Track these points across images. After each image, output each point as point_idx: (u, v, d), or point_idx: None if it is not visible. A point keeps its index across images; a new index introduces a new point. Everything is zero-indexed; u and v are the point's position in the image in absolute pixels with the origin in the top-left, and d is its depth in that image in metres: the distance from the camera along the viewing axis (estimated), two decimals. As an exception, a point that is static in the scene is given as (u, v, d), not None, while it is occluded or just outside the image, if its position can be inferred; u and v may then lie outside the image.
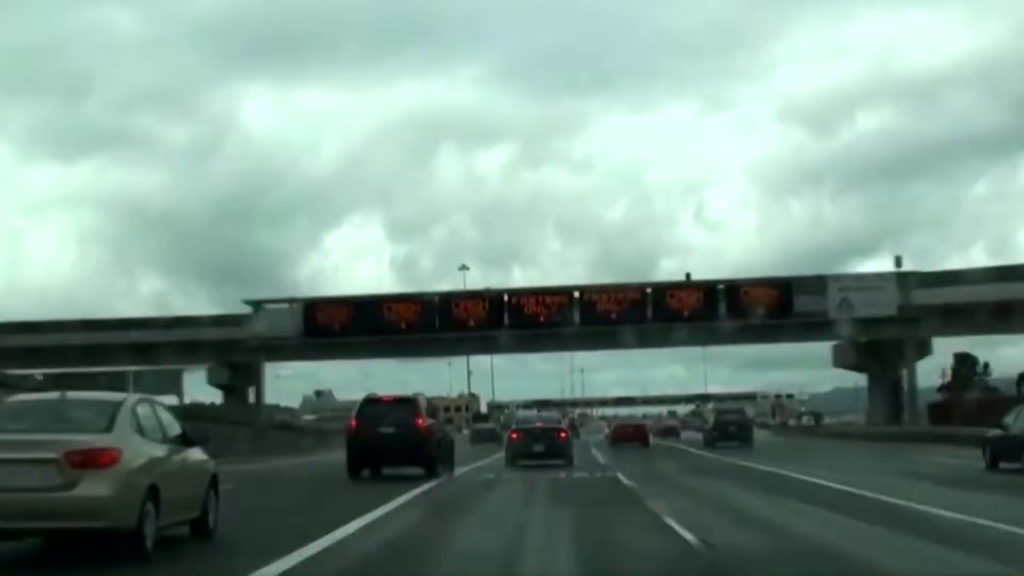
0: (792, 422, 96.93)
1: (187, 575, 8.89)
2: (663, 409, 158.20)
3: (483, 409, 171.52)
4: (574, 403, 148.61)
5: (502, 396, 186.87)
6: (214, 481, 10.84)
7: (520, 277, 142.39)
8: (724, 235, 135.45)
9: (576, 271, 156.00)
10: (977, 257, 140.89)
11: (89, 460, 8.42)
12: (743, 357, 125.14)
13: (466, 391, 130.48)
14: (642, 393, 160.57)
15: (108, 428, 8.91)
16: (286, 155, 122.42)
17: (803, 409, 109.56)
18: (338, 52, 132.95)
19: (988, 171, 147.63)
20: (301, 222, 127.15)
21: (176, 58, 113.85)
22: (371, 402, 21.95)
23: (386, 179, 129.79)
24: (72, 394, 10.02)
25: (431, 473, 20.46)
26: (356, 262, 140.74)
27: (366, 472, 20.96)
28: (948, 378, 74.87)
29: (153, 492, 8.95)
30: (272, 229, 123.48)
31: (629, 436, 44.11)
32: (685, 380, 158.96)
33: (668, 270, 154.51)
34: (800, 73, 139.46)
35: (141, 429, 9.36)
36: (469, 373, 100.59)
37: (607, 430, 67.52)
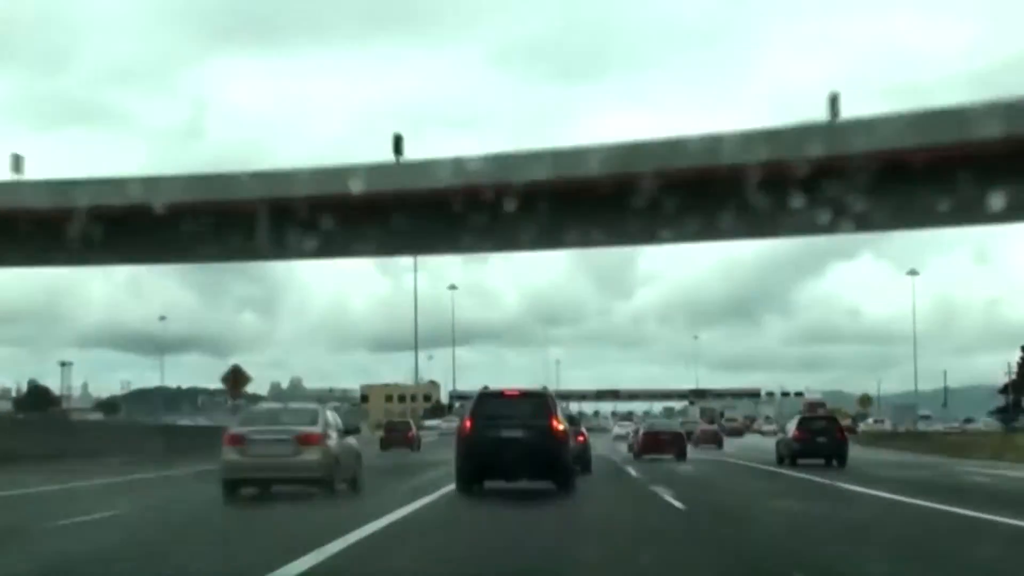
0: (862, 426, 79.56)
1: (352, 505, 15.36)
2: (650, 405, 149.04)
3: (443, 399, 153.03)
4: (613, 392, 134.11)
5: (467, 388, 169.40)
6: (359, 457, 18.89)
7: (496, 270, 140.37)
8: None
9: (555, 265, 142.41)
10: (958, 264, 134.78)
11: (308, 439, 16.40)
12: (720, 357, 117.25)
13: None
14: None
15: (314, 422, 16.97)
16: (264, 138, 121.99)
17: (857, 412, 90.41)
18: (324, 35, 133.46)
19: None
20: None
21: (155, 35, 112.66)
22: (489, 397, 18.31)
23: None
24: (291, 404, 24.78)
25: (564, 488, 17.14)
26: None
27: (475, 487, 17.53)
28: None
29: (336, 460, 16.96)
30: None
31: (663, 447, 35.73)
32: (664, 378, 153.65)
33: (645, 269, 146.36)
34: (794, 66, 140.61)
35: (328, 424, 17.23)
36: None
37: (620, 432, 59.97)
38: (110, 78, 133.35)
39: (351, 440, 18.78)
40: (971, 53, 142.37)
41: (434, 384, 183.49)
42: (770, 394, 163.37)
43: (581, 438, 23.42)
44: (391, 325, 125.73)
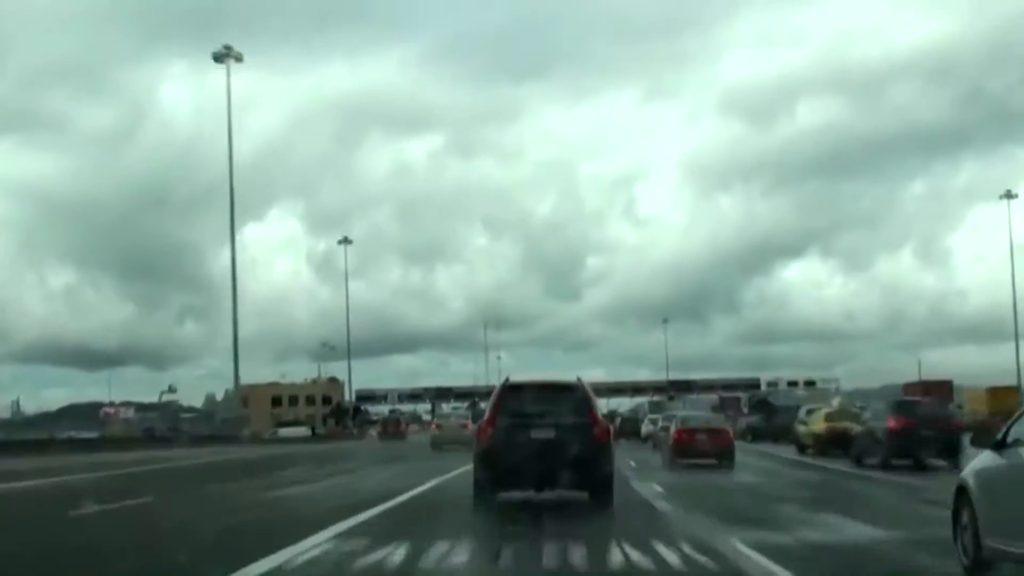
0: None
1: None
2: (621, 401, 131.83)
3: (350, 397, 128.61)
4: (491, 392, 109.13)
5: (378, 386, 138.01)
6: None
7: (443, 275, 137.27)
8: (654, 232, 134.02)
9: (501, 267, 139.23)
10: (905, 260, 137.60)
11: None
12: (668, 358, 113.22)
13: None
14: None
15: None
16: (205, 140, 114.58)
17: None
18: (264, 32, 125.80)
19: (926, 169, 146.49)
20: (218, 212, 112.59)
21: (91, 33, 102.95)
22: (514, 390, 14.92)
23: (308, 168, 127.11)
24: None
25: (603, 500, 14.27)
26: (275, 255, 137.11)
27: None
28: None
29: None
30: (187, 220, 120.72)
31: (703, 448, 27.51)
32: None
33: (593, 269, 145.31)
34: (747, 60, 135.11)
35: None
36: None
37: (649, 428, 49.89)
38: (41, 80, 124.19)
39: None
40: (930, 46, 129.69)
41: (335, 383, 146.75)
42: (772, 384, 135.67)
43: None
44: (335, 330, 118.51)
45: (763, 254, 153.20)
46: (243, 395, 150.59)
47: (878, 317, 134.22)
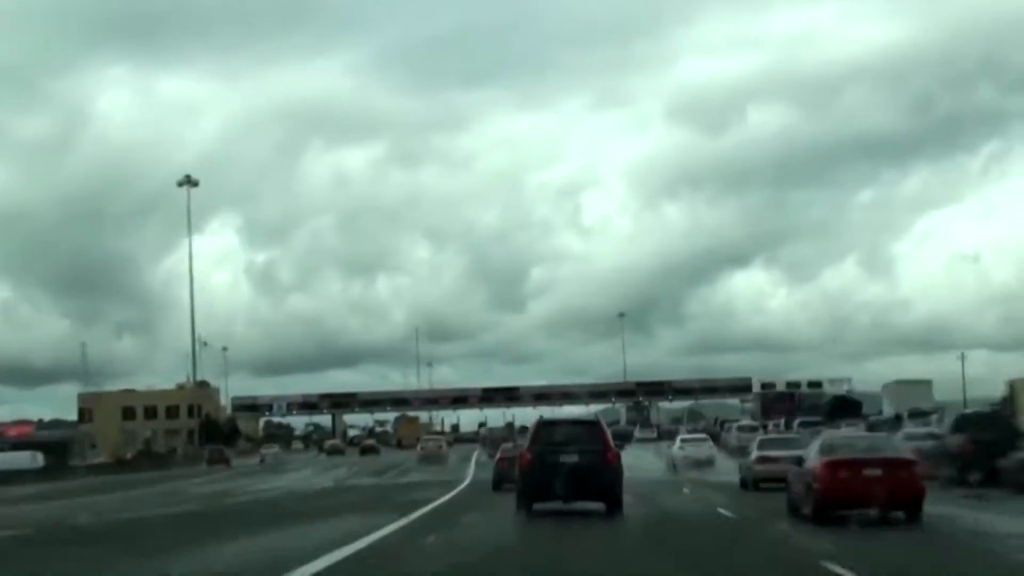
0: None
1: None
2: (573, 409, 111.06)
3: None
4: (435, 399, 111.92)
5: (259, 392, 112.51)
6: None
7: (385, 286, 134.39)
8: (599, 242, 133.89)
9: (445, 279, 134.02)
10: (849, 270, 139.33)
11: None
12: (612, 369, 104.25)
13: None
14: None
15: None
16: (144, 149, 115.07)
17: None
18: (206, 36, 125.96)
19: (876, 177, 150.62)
20: (156, 224, 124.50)
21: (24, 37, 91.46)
22: (547, 424, 21.87)
23: (248, 178, 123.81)
24: None
25: (613, 510, 19.94)
26: (213, 269, 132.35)
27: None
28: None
29: None
30: (126, 232, 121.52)
31: (876, 491, 17.23)
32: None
33: (538, 280, 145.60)
34: (699, 67, 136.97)
35: None
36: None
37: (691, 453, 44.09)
38: None
39: None
40: (883, 53, 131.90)
41: (206, 389, 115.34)
42: (768, 385, 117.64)
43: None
44: (275, 344, 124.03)
45: (709, 263, 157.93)
46: (84, 406, 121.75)
47: (822, 326, 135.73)
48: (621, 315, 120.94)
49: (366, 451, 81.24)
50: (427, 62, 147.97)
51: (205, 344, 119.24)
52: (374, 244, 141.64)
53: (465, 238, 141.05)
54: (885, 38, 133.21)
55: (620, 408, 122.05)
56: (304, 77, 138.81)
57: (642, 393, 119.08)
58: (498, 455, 32.40)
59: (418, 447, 64.88)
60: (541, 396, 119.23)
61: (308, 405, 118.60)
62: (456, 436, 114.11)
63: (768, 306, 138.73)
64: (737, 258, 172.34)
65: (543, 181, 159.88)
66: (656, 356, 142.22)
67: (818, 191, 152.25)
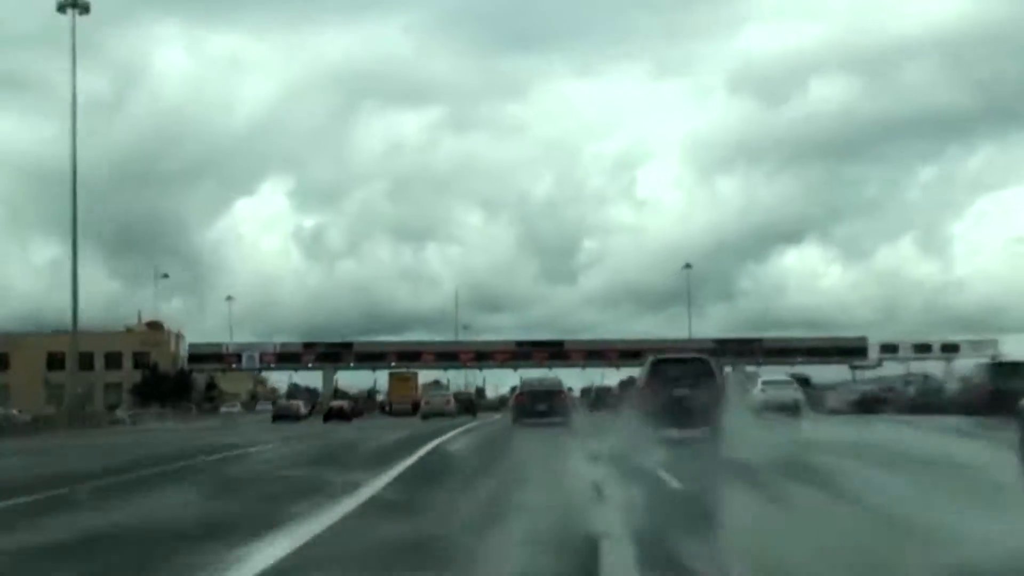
0: None
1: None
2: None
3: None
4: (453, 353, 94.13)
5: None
6: None
7: (434, 255, 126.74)
8: (652, 215, 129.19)
9: (495, 248, 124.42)
10: (904, 248, 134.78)
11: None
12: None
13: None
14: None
15: None
16: (195, 108, 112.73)
17: None
18: None
19: (937, 154, 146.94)
20: (207, 186, 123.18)
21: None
22: (661, 362, 24.26)
23: (300, 140, 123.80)
24: None
25: (718, 435, 21.53)
26: (263, 233, 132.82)
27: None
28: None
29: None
30: (176, 192, 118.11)
31: None
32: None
33: (589, 250, 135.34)
34: (762, 35, 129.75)
35: None
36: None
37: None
38: (22, 41, 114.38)
39: None
40: (951, 25, 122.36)
41: (158, 333, 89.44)
42: (889, 348, 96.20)
43: None
44: (324, 310, 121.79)
45: (762, 239, 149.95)
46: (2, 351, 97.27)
47: (873, 306, 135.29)
48: (687, 266, 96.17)
49: (331, 416, 59.67)
50: (486, 25, 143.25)
51: (165, 276, 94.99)
52: (425, 211, 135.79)
53: (517, 207, 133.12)
54: (954, 9, 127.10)
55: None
56: (361, 37, 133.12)
57: (725, 354, 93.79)
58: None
59: (422, 402, 57.82)
60: (594, 354, 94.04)
61: (288, 356, 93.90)
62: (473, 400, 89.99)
63: (820, 284, 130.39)
64: (791, 234, 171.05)
65: (598, 151, 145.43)
66: (706, 331, 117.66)
67: (877, 167, 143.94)
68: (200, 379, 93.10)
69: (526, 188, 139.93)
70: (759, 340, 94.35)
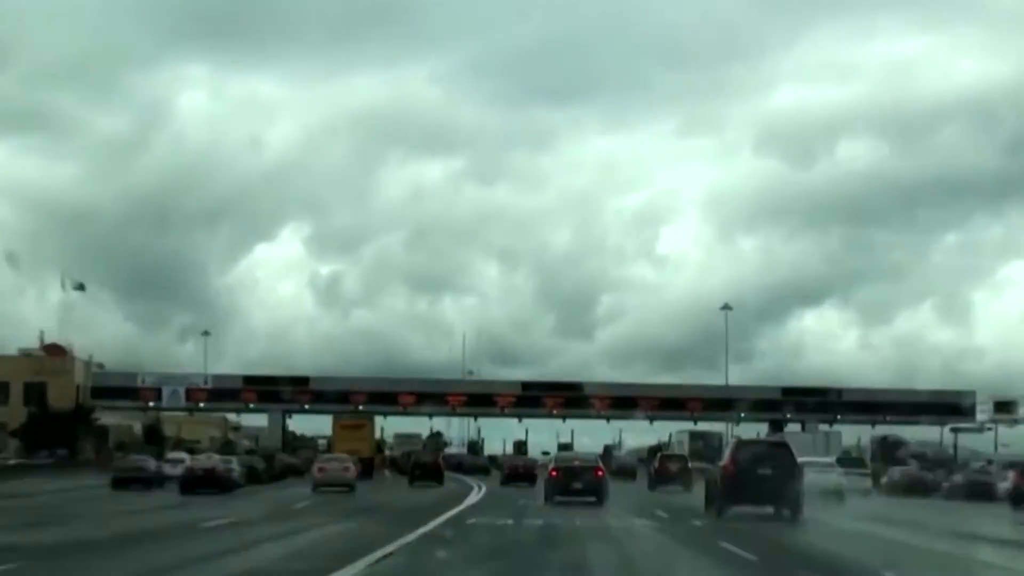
0: None
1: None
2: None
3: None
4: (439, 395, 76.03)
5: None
6: None
7: (450, 305, 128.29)
8: (671, 272, 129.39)
9: (514, 301, 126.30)
10: (925, 315, 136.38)
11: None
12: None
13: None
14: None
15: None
16: (217, 151, 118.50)
17: None
18: (290, 37, 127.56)
19: (964, 219, 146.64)
20: (226, 228, 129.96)
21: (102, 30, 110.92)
22: (744, 444, 30.32)
23: (321, 186, 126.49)
24: None
25: (796, 515, 25.12)
26: (279, 279, 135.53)
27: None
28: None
29: None
30: (194, 235, 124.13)
31: None
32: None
33: (607, 305, 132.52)
34: (793, 94, 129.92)
35: None
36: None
37: None
38: (50, 79, 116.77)
39: None
40: (982, 89, 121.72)
41: (60, 359, 66.11)
42: (1006, 406, 79.64)
43: None
44: (334, 356, 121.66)
45: (781, 301, 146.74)
46: None
47: (892, 371, 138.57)
48: (726, 307, 76.39)
49: (192, 484, 38.42)
50: (515, 75, 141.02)
51: (82, 288, 74.33)
52: (443, 261, 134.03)
53: (536, 260, 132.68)
54: (986, 74, 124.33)
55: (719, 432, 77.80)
56: (388, 83, 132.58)
57: (791, 406, 73.62)
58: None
59: (314, 470, 44.68)
60: (621, 402, 73.55)
61: (222, 394, 73.19)
62: (466, 460, 70.01)
63: (837, 347, 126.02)
64: (810, 296, 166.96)
65: (620, 206, 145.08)
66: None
67: (902, 231, 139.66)
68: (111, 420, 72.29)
69: (546, 240, 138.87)
70: (837, 391, 73.90)
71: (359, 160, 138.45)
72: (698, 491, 33.53)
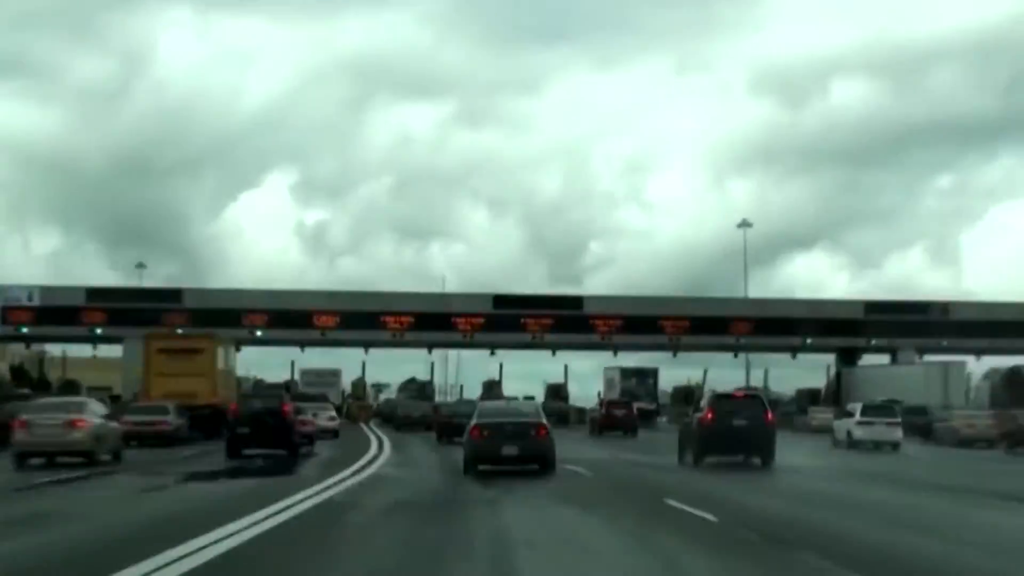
0: None
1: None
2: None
3: None
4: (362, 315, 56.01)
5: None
6: None
7: (438, 253, 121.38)
8: (661, 217, 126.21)
9: (501, 248, 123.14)
10: (914, 259, 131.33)
11: None
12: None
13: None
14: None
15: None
16: (202, 97, 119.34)
17: None
18: None
19: (955, 162, 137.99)
20: (209, 178, 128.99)
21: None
22: (721, 397, 27.98)
23: (307, 132, 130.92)
24: None
25: (768, 463, 25.38)
26: (263, 228, 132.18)
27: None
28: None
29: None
30: (177, 184, 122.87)
31: None
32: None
33: (595, 253, 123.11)
34: (787, 34, 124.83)
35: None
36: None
37: None
38: (27, 22, 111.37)
39: None
40: (978, 30, 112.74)
41: None
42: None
43: None
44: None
45: (772, 245, 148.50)
46: None
47: None
48: (744, 223, 56.14)
49: None
50: (504, 15, 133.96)
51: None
52: (430, 208, 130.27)
53: (524, 207, 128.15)
54: (983, 14, 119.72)
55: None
56: (375, 25, 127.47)
57: (881, 330, 53.23)
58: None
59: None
60: (636, 325, 52.55)
61: (55, 314, 50.93)
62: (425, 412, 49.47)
63: (828, 291, 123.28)
64: (800, 241, 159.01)
65: (610, 149, 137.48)
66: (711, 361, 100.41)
67: (894, 173, 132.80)
68: None
69: (535, 186, 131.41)
70: (942, 306, 53.32)
71: (345, 105, 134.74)
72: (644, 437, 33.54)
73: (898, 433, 36.28)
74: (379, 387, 74.84)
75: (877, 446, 34.69)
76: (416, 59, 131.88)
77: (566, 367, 62.36)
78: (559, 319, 52.98)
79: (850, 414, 37.46)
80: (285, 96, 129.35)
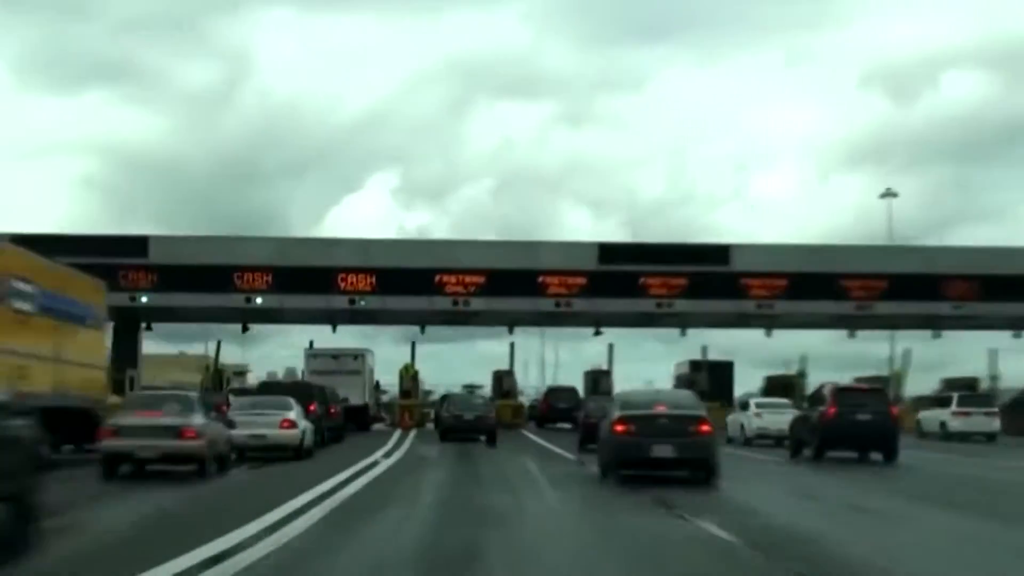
0: None
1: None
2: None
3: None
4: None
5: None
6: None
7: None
8: (766, 216, 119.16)
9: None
10: None
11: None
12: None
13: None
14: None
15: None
16: (305, 99, 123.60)
17: None
18: None
19: None
20: (312, 181, 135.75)
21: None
22: (844, 390, 27.64)
23: (408, 135, 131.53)
24: None
25: (892, 459, 24.72)
26: (366, 231, 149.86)
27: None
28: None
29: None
30: (280, 187, 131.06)
31: None
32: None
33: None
34: (898, 27, 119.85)
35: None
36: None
37: None
38: (135, 29, 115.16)
39: None
40: None
41: None
42: None
43: None
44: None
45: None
46: None
47: None
48: (888, 193, 42.53)
49: None
50: (606, 13, 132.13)
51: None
52: (532, 209, 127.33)
53: (626, 205, 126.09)
54: None
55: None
56: (477, 25, 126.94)
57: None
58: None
59: None
60: (816, 284, 37.32)
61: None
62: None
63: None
64: (911, 240, 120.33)
65: (714, 147, 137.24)
66: (813, 342, 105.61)
67: (1007, 171, 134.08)
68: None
69: (638, 184, 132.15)
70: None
71: (447, 106, 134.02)
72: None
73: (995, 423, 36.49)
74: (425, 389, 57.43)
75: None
76: (517, 59, 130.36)
77: (704, 347, 48.43)
78: (697, 277, 37.49)
79: None
80: (387, 97, 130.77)
